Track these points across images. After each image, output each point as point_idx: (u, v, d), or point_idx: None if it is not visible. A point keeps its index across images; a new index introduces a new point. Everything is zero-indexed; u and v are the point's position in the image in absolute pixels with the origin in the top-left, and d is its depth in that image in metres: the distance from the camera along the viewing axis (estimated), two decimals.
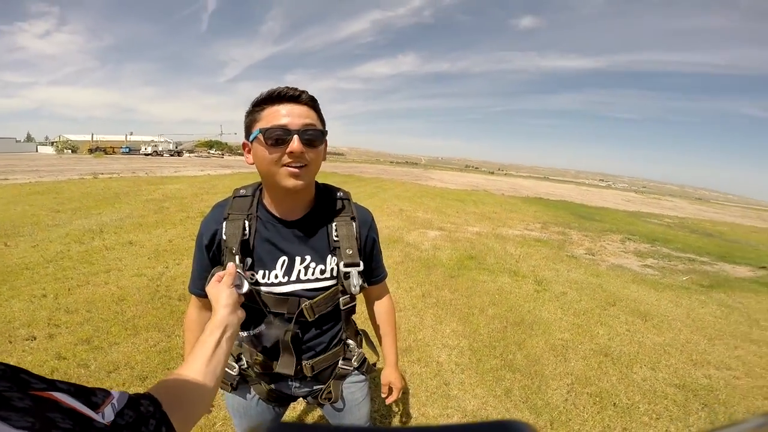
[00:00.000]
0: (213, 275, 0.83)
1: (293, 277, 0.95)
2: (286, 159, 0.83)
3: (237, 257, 0.89)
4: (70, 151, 58.40)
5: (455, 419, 2.29)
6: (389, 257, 5.48)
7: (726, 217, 24.13)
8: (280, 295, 0.94)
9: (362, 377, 1.15)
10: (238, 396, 1.08)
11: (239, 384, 1.06)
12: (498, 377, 2.72)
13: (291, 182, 0.84)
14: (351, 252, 0.96)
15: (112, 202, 8.25)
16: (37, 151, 66.03)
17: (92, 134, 73.43)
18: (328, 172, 25.47)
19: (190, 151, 65.36)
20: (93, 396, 0.36)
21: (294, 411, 2.14)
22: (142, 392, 0.45)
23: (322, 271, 0.96)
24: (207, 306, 0.89)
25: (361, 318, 1.21)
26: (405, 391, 2.47)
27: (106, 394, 0.37)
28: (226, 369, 1.01)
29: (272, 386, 1.06)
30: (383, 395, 1.21)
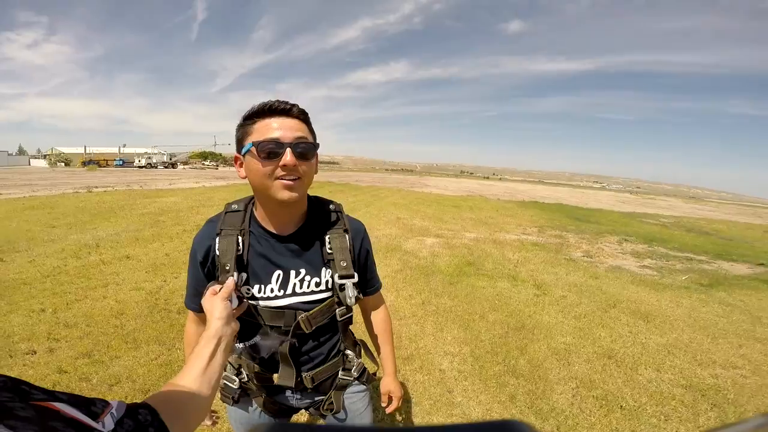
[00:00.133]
0: (208, 289, 0.83)
1: (289, 291, 0.95)
2: (279, 172, 0.83)
3: (236, 274, 0.90)
4: (63, 164, 58.16)
5: None
6: (387, 266, 5.47)
7: (721, 215, 24.30)
8: (277, 309, 0.95)
9: (363, 387, 1.15)
10: (240, 409, 1.08)
11: (241, 397, 1.06)
12: (501, 383, 2.70)
13: (285, 195, 0.84)
14: (345, 264, 0.97)
15: (107, 217, 8.20)
16: (29, 164, 65.69)
17: (85, 147, 73.30)
18: (323, 181, 25.51)
19: (185, 163, 65.25)
20: (93, 406, 0.37)
21: None
22: (139, 402, 0.45)
23: (317, 284, 0.97)
24: (204, 320, 0.90)
25: (359, 328, 1.21)
26: (407, 400, 2.46)
27: (105, 403, 0.38)
28: (227, 383, 1.03)
29: (274, 398, 1.06)
30: (383, 404, 1.21)
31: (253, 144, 0.83)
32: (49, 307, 3.44)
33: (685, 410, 2.53)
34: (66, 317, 3.27)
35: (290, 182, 0.84)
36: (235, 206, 0.98)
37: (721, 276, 6.42)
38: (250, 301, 0.92)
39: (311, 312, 0.96)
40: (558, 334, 3.53)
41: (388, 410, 1.20)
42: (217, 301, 0.77)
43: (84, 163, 53.40)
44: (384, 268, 5.32)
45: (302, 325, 0.95)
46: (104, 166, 51.36)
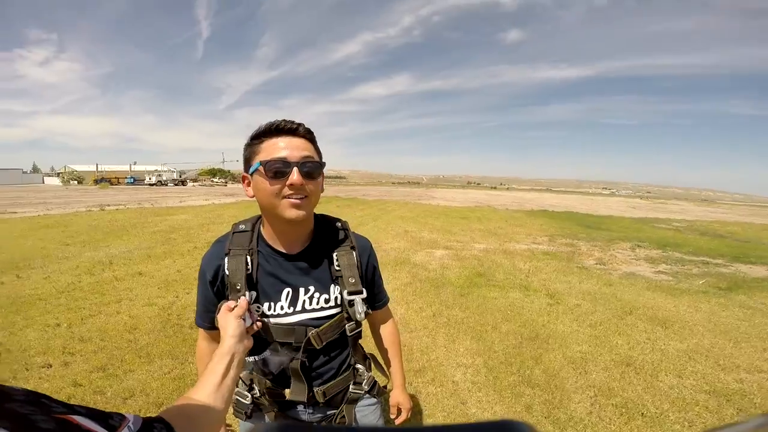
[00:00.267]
0: (222, 306, 0.85)
1: (298, 307, 0.96)
2: (286, 191, 0.85)
3: (248, 293, 0.91)
4: (75, 182, 59.41)
5: None
6: (397, 279, 5.45)
7: (735, 217, 23.76)
8: (287, 326, 0.96)
9: (374, 400, 1.15)
10: (253, 424, 1.08)
11: (253, 412, 1.06)
12: (517, 393, 2.65)
13: (293, 213, 0.86)
14: (353, 280, 0.98)
15: (119, 235, 8.34)
16: (43, 182, 67.37)
17: (96, 164, 75.00)
18: (330, 196, 25.66)
19: (194, 180, 66.28)
20: (110, 419, 0.37)
21: None
22: (153, 416, 0.46)
23: (327, 300, 0.98)
24: (215, 338, 0.91)
25: (368, 342, 1.22)
26: (419, 412, 2.43)
27: (122, 417, 0.39)
28: (240, 398, 1.03)
29: (286, 413, 1.06)
30: (392, 416, 1.21)
31: (261, 163, 0.85)
32: (64, 322, 3.49)
33: (709, 416, 2.45)
34: (81, 332, 3.32)
35: (297, 201, 0.85)
36: (242, 226, 1.00)
37: (740, 279, 6.27)
38: (261, 319, 0.93)
39: (321, 328, 0.97)
40: (573, 343, 3.46)
41: (398, 422, 1.21)
42: (230, 319, 0.79)
43: (96, 181, 54.53)
44: (393, 281, 5.30)
45: (313, 341, 0.96)
46: (116, 184, 52.32)
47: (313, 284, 0.97)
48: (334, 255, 1.00)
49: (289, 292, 0.96)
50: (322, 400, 1.02)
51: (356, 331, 1.04)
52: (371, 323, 1.22)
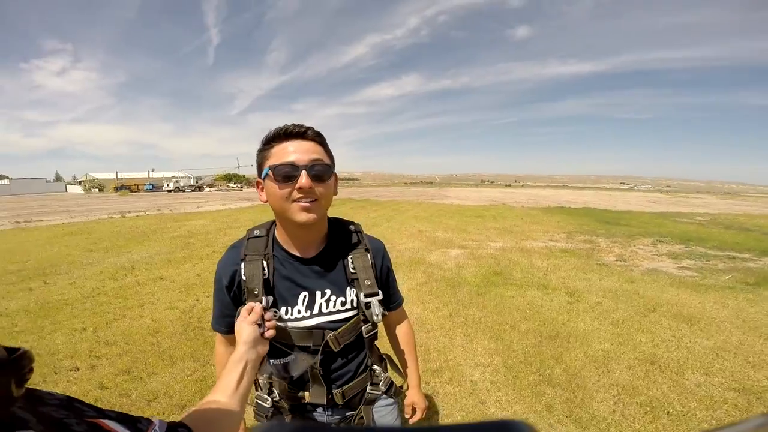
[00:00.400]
0: (241, 310, 0.87)
1: (315, 311, 0.97)
2: (296, 194, 0.85)
3: (264, 299, 0.92)
4: (97, 189, 61.14)
5: None
6: (412, 279, 5.43)
7: (762, 210, 22.77)
8: (305, 329, 0.97)
9: (391, 400, 1.16)
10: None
11: (274, 415, 1.07)
12: (537, 393, 2.61)
13: (303, 217, 0.87)
14: (369, 283, 0.99)
15: (140, 240, 8.57)
16: (66, 190, 69.67)
17: (116, 172, 77.15)
18: (344, 198, 25.77)
19: (211, 186, 67.51)
20: (138, 423, 0.39)
21: None
22: (177, 421, 0.48)
23: (343, 303, 0.99)
24: (232, 342, 0.93)
25: (383, 343, 1.23)
26: (437, 412, 2.42)
27: (149, 421, 0.41)
28: (260, 402, 1.05)
29: (306, 416, 1.07)
30: (407, 416, 1.22)
31: (270, 168, 0.86)
32: (90, 326, 3.61)
33: (738, 414, 2.37)
34: (106, 335, 3.42)
35: (307, 204, 0.86)
36: (257, 232, 1.01)
37: None
38: (278, 323, 0.94)
39: (339, 331, 0.98)
40: (595, 341, 3.39)
41: (412, 421, 1.21)
42: (243, 326, 0.80)
43: (116, 189, 56.03)
44: (409, 281, 5.29)
45: (331, 344, 0.97)
46: (135, 191, 53.64)
47: (330, 287, 0.98)
48: (349, 258, 1.00)
49: (305, 295, 0.96)
50: (341, 402, 1.03)
51: (372, 332, 1.05)
52: (386, 324, 1.23)
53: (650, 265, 6.56)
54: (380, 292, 1.01)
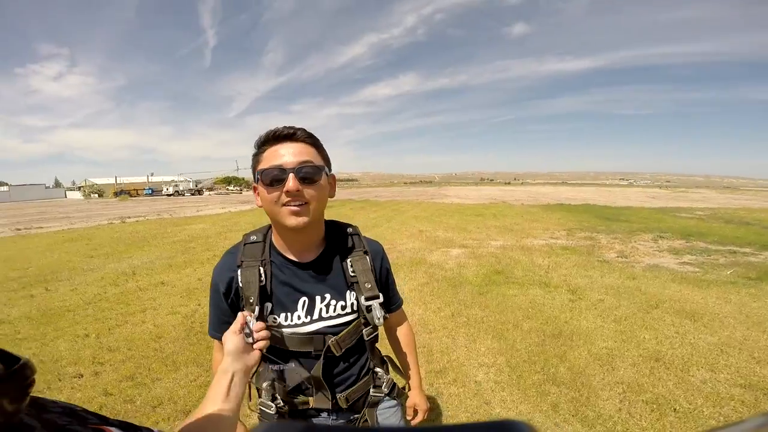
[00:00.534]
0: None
1: (315, 316, 0.96)
2: (284, 198, 0.84)
3: (256, 307, 0.90)
4: (96, 195, 60.99)
5: None
6: (413, 279, 5.43)
7: (762, 204, 22.73)
8: (305, 335, 0.96)
9: (394, 402, 1.16)
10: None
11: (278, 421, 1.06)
12: (542, 392, 2.61)
13: (293, 221, 0.85)
14: (369, 285, 0.98)
15: (141, 246, 8.56)
16: (65, 196, 69.55)
17: (116, 177, 76.96)
18: (344, 199, 25.76)
19: (210, 189, 67.43)
20: None
21: None
22: None
23: (343, 307, 0.98)
24: None
25: (383, 345, 1.22)
26: (440, 413, 2.41)
27: (150, 431, 0.41)
28: (264, 408, 1.04)
29: (310, 420, 1.07)
30: (408, 417, 1.21)
31: (259, 172, 0.85)
32: (92, 333, 3.61)
33: (746, 410, 2.36)
34: (109, 342, 3.42)
35: (296, 208, 0.85)
36: (253, 237, 1.00)
37: None
38: (274, 330, 0.93)
39: (340, 335, 0.97)
40: (598, 339, 3.39)
41: (414, 423, 1.21)
42: (228, 335, 0.77)
43: (116, 194, 55.95)
44: (410, 282, 5.28)
45: (333, 349, 0.96)
46: (135, 196, 53.59)
47: (329, 292, 0.97)
48: (348, 261, 0.99)
49: (305, 301, 0.95)
50: (345, 406, 1.02)
51: (373, 335, 1.05)
52: (386, 326, 1.22)
53: (651, 261, 6.56)
54: (381, 294, 1.00)
